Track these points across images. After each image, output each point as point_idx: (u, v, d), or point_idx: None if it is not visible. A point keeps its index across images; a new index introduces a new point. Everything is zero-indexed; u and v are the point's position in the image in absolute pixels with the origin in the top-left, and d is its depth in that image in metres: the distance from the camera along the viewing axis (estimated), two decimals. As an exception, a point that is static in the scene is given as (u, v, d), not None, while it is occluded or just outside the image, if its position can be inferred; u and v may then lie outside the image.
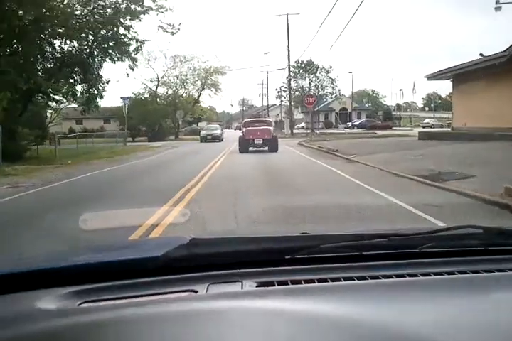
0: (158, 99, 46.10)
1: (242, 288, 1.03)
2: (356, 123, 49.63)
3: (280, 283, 1.04)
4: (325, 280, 1.05)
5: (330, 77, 57.01)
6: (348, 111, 54.97)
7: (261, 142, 19.52)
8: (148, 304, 0.94)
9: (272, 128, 20.55)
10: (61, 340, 0.81)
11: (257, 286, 1.04)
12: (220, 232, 1.35)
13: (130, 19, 18.94)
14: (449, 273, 1.09)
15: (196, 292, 1.02)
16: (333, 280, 1.05)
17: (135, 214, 4.87)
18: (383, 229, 1.36)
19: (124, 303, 0.97)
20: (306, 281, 1.05)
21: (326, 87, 57.44)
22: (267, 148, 19.43)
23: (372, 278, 1.06)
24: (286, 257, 1.14)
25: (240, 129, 23.64)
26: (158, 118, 39.61)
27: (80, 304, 0.98)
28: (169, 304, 0.93)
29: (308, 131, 34.58)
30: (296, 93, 53.04)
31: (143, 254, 1.14)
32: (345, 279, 1.05)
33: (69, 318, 0.87)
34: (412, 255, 1.18)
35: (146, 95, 45.49)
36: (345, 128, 46.16)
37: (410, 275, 1.07)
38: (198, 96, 49.98)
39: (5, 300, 1.01)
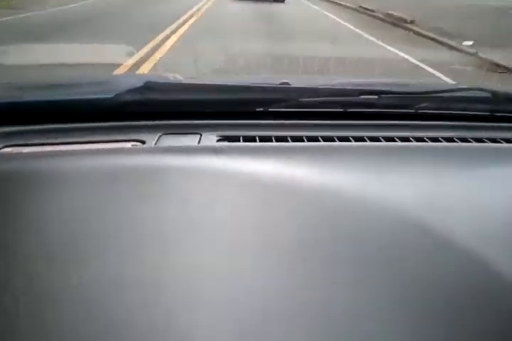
0: None
1: (199, 141, 0.86)
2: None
3: (246, 139, 0.87)
4: (300, 139, 0.87)
5: None
6: None
7: None
8: (83, 154, 0.77)
9: None
10: None
11: (218, 141, 0.87)
12: (180, 78, 1.12)
13: None
14: (447, 140, 0.92)
15: (144, 143, 0.84)
16: (310, 139, 0.87)
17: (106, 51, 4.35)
18: (377, 83, 1.16)
19: (56, 151, 0.79)
20: (278, 139, 0.87)
21: None
22: None
23: (356, 139, 0.89)
24: (258, 110, 0.95)
25: None
26: None
27: (2, 148, 0.80)
28: (108, 156, 0.76)
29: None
30: None
31: (87, 95, 0.95)
32: (325, 139, 0.88)
33: None
34: (406, 116, 1.00)
35: None
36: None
37: (401, 139, 0.90)
38: None
39: None
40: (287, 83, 1.05)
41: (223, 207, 0.61)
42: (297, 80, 1.12)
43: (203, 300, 0.43)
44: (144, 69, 4.90)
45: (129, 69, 4.70)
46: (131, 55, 5.09)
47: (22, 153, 0.79)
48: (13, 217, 0.56)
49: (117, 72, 4.39)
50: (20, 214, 0.57)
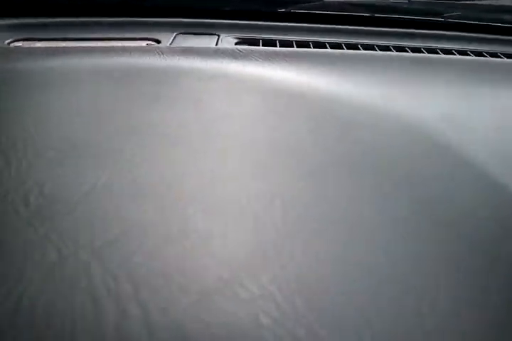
0: None
1: (217, 43, 0.82)
2: None
3: (266, 43, 0.83)
4: (323, 46, 0.83)
5: None
6: None
7: None
8: (98, 51, 0.73)
9: None
10: None
11: (236, 43, 0.83)
12: None
13: None
14: (477, 54, 0.87)
15: (159, 42, 0.80)
16: (333, 46, 0.83)
17: None
18: None
19: (69, 48, 0.76)
20: (299, 44, 0.83)
21: None
22: None
23: (381, 48, 0.84)
24: (279, 10, 0.90)
25: None
26: None
27: (10, 42, 0.77)
28: (124, 54, 0.72)
29: None
30: None
31: None
32: (348, 46, 0.83)
33: None
34: (435, 25, 0.94)
35: None
36: None
37: (428, 51, 0.85)
38: None
39: None
40: None
41: (240, 112, 0.59)
42: None
43: (219, 208, 0.42)
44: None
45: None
46: None
47: (33, 47, 0.76)
48: (25, 114, 0.55)
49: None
50: (33, 111, 0.56)
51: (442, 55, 0.85)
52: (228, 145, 0.52)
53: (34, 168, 0.44)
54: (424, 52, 0.85)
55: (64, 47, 0.76)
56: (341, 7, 0.90)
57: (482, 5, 0.95)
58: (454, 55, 0.86)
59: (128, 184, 0.44)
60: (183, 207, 0.42)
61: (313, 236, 0.41)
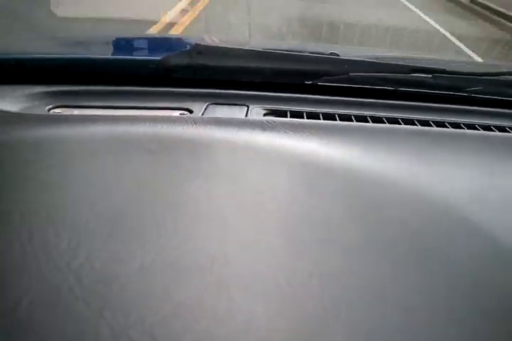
0: None
1: (247, 114, 0.85)
2: None
3: (294, 115, 0.85)
4: (348, 118, 0.85)
5: None
6: None
7: None
8: (132, 120, 0.76)
9: None
10: (17, 152, 0.64)
11: (265, 114, 0.86)
12: (230, 41, 1.09)
13: None
14: (500, 130, 0.88)
15: (191, 112, 0.84)
16: (359, 119, 0.86)
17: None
18: (430, 60, 1.11)
19: (103, 116, 0.79)
20: (326, 116, 0.86)
21: None
22: None
23: (406, 122, 0.86)
24: (307, 82, 0.93)
25: None
26: None
27: (51, 109, 0.81)
28: (157, 124, 0.75)
29: None
30: None
31: (135, 55, 0.94)
32: (374, 120, 0.86)
33: (34, 125, 0.71)
34: (458, 99, 0.96)
35: None
36: None
37: (452, 125, 0.87)
38: None
39: None
40: (336, 54, 1.02)
41: (271, 186, 0.60)
42: (344, 51, 1.08)
43: (260, 288, 0.43)
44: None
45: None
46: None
47: (72, 115, 0.79)
48: (68, 185, 0.57)
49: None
50: (76, 182, 0.57)
51: (466, 130, 0.86)
52: (263, 221, 0.53)
53: (83, 241, 0.45)
54: (448, 127, 0.86)
55: (100, 116, 0.79)
56: (367, 80, 0.93)
57: (505, 80, 0.97)
58: (478, 130, 0.87)
59: (174, 261, 0.45)
60: (227, 286, 0.43)
61: (354, 315, 0.42)
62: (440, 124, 0.87)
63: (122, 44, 1.15)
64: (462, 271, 0.51)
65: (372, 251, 0.51)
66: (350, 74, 0.92)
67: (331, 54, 1.01)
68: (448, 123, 0.88)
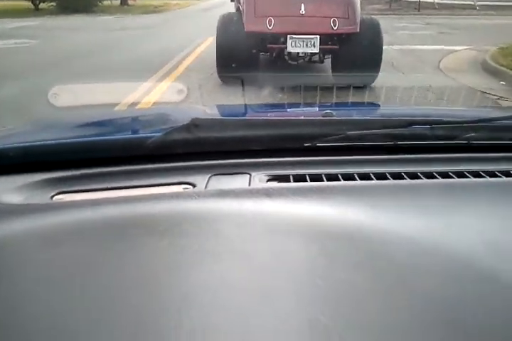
0: None
1: (250, 182, 0.84)
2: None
3: (297, 179, 0.85)
4: (351, 178, 0.85)
5: None
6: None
7: (313, 48, 5.00)
8: (134, 200, 0.76)
9: None
10: (23, 243, 0.64)
11: (268, 181, 0.85)
12: (224, 109, 1.11)
13: None
14: (506, 174, 0.87)
15: (194, 186, 0.83)
16: (362, 177, 0.85)
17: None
18: (426, 112, 1.12)
19: (107, 198, 0.79)
20: (329, 177, 0.85)
21: None
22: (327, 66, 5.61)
23: (410, 176, 0.85)
24: (306, 145, 0.93)
25: None
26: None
27: (54, 196, 0.80)
28: (162, 201, 0.75)
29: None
30: None
31: (132, 133, 0.94)
32: (377, 176, 0.85)
33: (38, 215, 0.70)
34: (459, 148, 0.96)
35: None
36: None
37: (457, 175, 0.86)
38: None
39: None
40: (331, 114, 1.03)
41: (285, 260, 0.59)
42: (339, 110, 1.09)
43: None
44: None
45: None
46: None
47: (75, 201, 0.79)
48: (71, 278, 0.55)
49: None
50: (84, 274, 0.56)
51: (472, 179, 0.85)
52: (286, 306, 0.50)
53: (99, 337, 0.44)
54: (453, 177, 0.86)
55: (104, 199, 0.79)
56: (365, 138, 0.94)
57: (501, 125, 0.98)
58: (484, 177, 0.86)
59: None
60: None
61: None
62: (444, 175, 0.86)
63: (119, 123, 1.17)
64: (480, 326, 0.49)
65: (402, 324, 0.49)
66: (348, 133, 0.92)
67: (326, 114, 1.03)
68: (452, 172, 0.87)
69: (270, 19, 4.83)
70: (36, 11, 19.97)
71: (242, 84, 1.12)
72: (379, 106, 1.55)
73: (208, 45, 8.21)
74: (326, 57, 5.37)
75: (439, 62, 7.44)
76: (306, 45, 4.96)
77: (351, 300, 0.51)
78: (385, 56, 5.59)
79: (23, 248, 0.63)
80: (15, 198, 0.78)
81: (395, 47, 8.52)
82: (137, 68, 6.33)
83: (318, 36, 4.92)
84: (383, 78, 4.97)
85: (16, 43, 9.57)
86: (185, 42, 9.07)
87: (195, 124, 0.91)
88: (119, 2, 24.11)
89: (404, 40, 9.71)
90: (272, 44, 5.06)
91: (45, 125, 1.15)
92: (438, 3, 19.18)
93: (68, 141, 0.95)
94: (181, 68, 6.74)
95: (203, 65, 6.62)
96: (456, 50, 8.46)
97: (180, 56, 7.70)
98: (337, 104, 1.39)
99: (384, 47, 5.34)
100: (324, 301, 0.51)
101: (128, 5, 24.40)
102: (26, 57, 8.08)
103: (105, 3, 21.38)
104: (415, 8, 17.93)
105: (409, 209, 0.74)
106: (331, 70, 5.42)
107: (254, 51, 5.04)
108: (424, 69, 6.85)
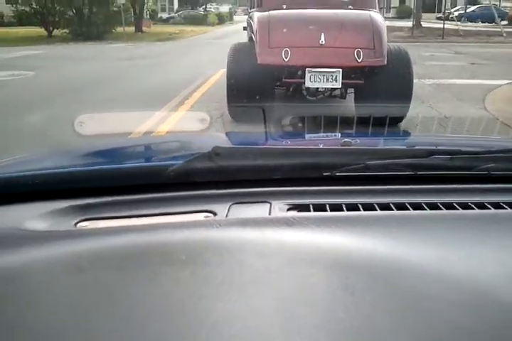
0: None
1: (270, 211, 0.85)
2: (463, 11, 31.31)
3: (317, 208, 0.85)
4: (372, 207, 0.85)
5: None
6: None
7: (335, 83, 4.41)
8: (156, 228, 0.77)
9: (376, 18, 4.72)
10: (47, 270, 0.64)
11: (288, 209, 0.86)
12: (244, 136, 1.11)
13: None
14: None
15: (215, 214, 0.84)
16: (383, 207, 0.85)
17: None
18: (444, 142, 1.12)
19: (129, 226, 0.80)
20: (349, 207, 0.85)
21: None
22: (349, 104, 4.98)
23: (430, 206, 0.85)
24: (325, 174, 0.93)
25: (252, 25, 5.16)
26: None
27: (77, 223, 0.81)
28: (181, 229, 0.75)
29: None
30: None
31: (154, 161, 0.95)
32: (397, 206, 0.85)
33: (63, 243, 0.71)
34: (479, 178, 0.96)
35: None
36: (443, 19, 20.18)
37: (477, 206, 0.86)
38: None
39: None
40: (349, 143, 1.04)
41: (309, 292, 0.58)
42: (359, 139, 1.09)
43: None
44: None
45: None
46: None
47: (98, 228, 0.80)
48: (98, 307, 0.55)
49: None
50: (107, 306, 0.55)
51: (492, 210, 0.85)
52: (310, 335, 0.50)
53: None
54: (473, 208, 0.85)
55: (126, 227, 0.80)
56: (384, 167, 0.94)
57: None
58: (504, 208, 0.86)
59: None
60: None
61: None
62: (465, 206, 0.86)
63: (140, 151, 1.19)
64: None
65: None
66: (367, 162, 0.93)
67: (345, 143, 1.04)
68: (472, 203, 0.87)
69: (286, 50, 4.27)
70: (49, 38, 20.47)
71: (264, 114, 1.13)
72: (398, 134, 1.56)
73: (218, 78, 7.59)
74: (348, 92, 4.81)
75: (483, 101, 6.30)
76: (327, 79, 4.38)
77: (373, 335, 0.51)
78: (419, 93, 4.87)
79: (46, 275, 0.63)
80: (39, 225, 0.79)
81: (428, 81, 7.56)
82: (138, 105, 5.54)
83: (340, 70, 4.34)
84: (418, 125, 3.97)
85: (12, 75, 9.36)
86: (193, 75, 8.40)
87: (216, 153, 0.92)
88: (133, 29, 24.25)
89: (435, 72, 8.72)
90: (288, 78, 4.54)
91: (67, 152, 1.17)
92: (463, 30, 18.61)
93: (91, 168, 0.97)
94: (187, 106, 6.08)
95: (211, 100, 6.13)
96: (497, 85, 7.38)
97: (189, 89, 7.25)
98: (356, 133, 1.40)
99: (414, 81, 4.77)
100: (347, 335, 0.51)
101: (142, 32, 24.78)
102: (19, 90, 7.80)
103: (119, 29, 21.31)
104: (439, 36, 17.31)
105: (430, 240, 0.73)
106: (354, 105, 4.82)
107: (268, 86, 4.50)
108: (470, 110, 5.70)
